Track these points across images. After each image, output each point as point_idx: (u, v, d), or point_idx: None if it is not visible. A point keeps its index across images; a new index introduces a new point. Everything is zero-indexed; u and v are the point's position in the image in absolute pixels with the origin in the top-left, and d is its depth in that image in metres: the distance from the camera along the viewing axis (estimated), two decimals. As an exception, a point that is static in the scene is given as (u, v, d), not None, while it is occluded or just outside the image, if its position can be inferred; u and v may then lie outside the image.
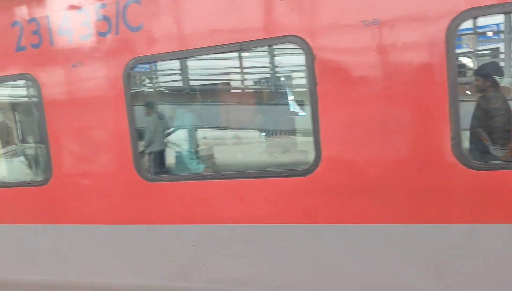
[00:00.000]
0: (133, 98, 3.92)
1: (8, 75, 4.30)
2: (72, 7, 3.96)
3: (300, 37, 3.30)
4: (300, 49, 3.30)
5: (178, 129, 4.34)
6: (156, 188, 3.92)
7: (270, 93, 4.11)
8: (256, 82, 4.05)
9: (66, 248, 4.34)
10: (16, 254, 4.54)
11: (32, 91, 4.42)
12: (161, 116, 4.19)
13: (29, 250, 4.48)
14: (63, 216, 4.28)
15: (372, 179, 3.25)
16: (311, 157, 3.45)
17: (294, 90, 3.99)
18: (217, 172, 3.78)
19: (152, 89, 4.08)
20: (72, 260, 4.32)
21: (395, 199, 3.21)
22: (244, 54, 3.71)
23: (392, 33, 3.08)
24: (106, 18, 3.85)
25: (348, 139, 3.28)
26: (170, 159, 4.08)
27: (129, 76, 3.86)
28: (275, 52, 3.68)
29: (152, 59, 3.75)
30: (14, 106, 4.81)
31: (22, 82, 4.39)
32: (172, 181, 3.88)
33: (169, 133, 4.19)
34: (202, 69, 3.96)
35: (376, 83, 3.15)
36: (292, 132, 4.00)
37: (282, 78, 4.03)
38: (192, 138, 4.11)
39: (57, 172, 4.24)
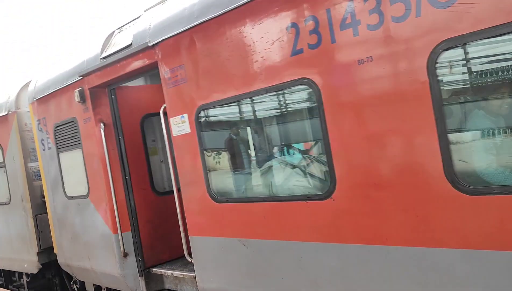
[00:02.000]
0: (444, 92, 3.17)
1: (283, 82, 4.05)
2: (358, -6, 3.46)
3: None
4: None
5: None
6: (477, 203, 3.06)
7: None
8: None
9: (353, 271, 3.82)
10: (293, 273, 4.24)
11: (308, 97, 4.10)
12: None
13: (308, 269, 4.13)
14: (350, 233, 3.78)
15: None
16: None
17: None
18: None
19: (469, 80, 3.27)
20: (361, 285, 3.78)
21: None
22: None
23: None
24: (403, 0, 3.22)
25: None
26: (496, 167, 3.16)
27: (435, 64, 3.13)
28: None
29: (472, 38, 2.94)
30: (285, 114, 4.60)
31: (296, 88, 4.08)
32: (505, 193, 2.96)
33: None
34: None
35: None
36: None
37: None
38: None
39: (342, 184, 3.77)
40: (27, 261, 8.84)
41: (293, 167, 4.41)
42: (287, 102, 4.47)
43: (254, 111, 4.71)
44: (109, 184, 6.26)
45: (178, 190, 5.50)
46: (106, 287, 7.12)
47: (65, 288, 8.94)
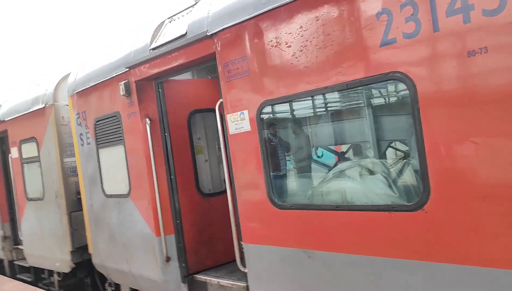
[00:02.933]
0: None
1: (368, 77, 3.58)
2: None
3: None
4: None
5: None
6: None
7: None
8: None
9: (447, 294, 3.32)
10: (371, 291, 3.77)
11: (399, 93, 3.63)
12: None
13: (389, 289, 3.65)
14: (445, 251, 3.28)
15: None
16: None
17: None
18: None
19: None
20: (456, 312, 3.27)
21: None
22: None
23: None
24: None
25: None
26: None
27: None
28: None
29: None
30: (368, 112, 4.11)
31: (384, 83, 3.61)
32: None
33: None
34: None
35: None
36: None
37: None
38: None
39: (437, 194, 3.28)
40: (59, 260, 8.55)
41: (375, 171, 3.92)
42: (371, 98, 3.99)
43: (329, 108, 4.25)
44: (153, 183, 5.88)
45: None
46: (143, 292, 6.76)
47: (96, 289, 8.63)
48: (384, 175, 3.87)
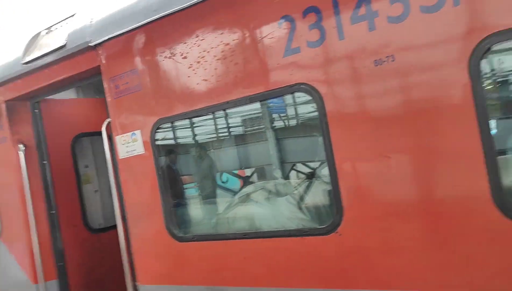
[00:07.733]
0: (490, 99, 2.58)
1: (272, 90, 3.27)
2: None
3: None
4: None
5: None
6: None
7: None
8: None
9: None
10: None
11: (306, 106, 3.35)
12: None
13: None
14: (364, 277, 3.02)
15: None
16: None
17: None
18: None
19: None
20: None
21: None
22: None
23: None
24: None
25: None
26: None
27: (480, 65, 2.54)
28: None
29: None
30: (274, 127, 3.76)
31: (289, 96, 3.32)
32: None
33: None
34: None
35: None
36: None
37: None
38: None
39: (351, 213, 3.02)
40: None
41: (284, 193, 3.58)
42: (276, 113, 3.67)
43: (231, 125, 3.85)
44: (28, 221, 4.96)
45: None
46: None
47: None
48: (296, 197, 3.55)
